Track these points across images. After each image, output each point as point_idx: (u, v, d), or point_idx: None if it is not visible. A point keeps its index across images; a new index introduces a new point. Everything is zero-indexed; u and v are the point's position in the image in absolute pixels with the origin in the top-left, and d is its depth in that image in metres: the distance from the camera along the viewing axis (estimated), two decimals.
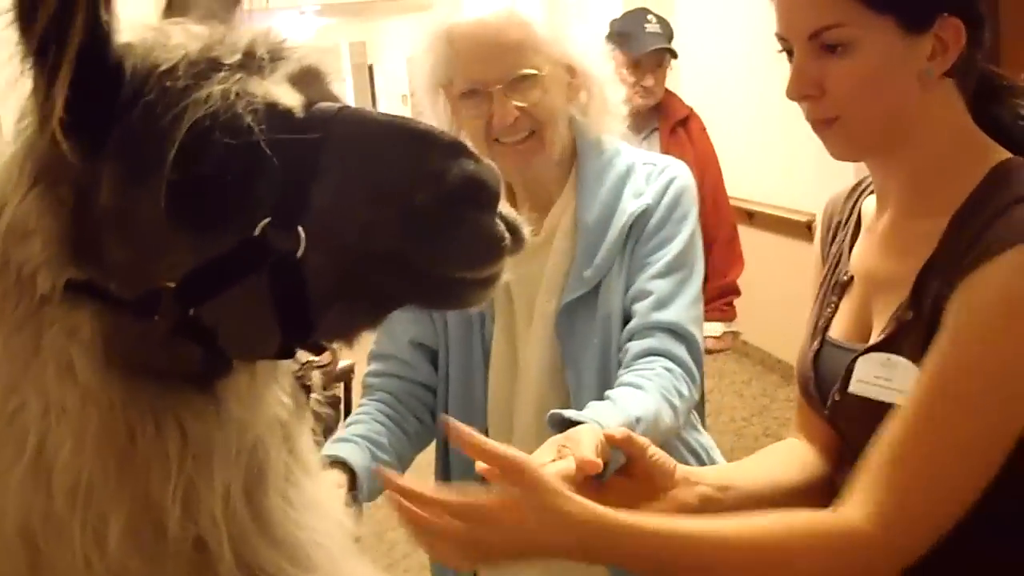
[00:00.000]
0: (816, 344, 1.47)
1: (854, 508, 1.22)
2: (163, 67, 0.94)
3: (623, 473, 1.40)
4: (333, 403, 5.15)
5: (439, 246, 0.93)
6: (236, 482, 1.00)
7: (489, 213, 0.95)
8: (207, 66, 0.94)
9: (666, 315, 1.72)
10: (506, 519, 1.16)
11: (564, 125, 1.80)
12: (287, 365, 1.09)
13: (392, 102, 18.10)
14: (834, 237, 1.55)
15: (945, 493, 1.21)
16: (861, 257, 1.46)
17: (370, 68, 21.29)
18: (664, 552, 1.22)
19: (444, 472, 1.91)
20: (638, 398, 1.59)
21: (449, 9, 1.78)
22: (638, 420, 1.53)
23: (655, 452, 1.39)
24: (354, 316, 1.01)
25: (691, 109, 4.09)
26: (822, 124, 1.33)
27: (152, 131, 0.92)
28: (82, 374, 0.95)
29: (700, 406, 2.03)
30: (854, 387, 1.35)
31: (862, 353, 1.35)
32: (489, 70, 1.72)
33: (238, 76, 0.94)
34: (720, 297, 3.71)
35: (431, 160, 0.93)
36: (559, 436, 1.37)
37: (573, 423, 1.44)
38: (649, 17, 3.90)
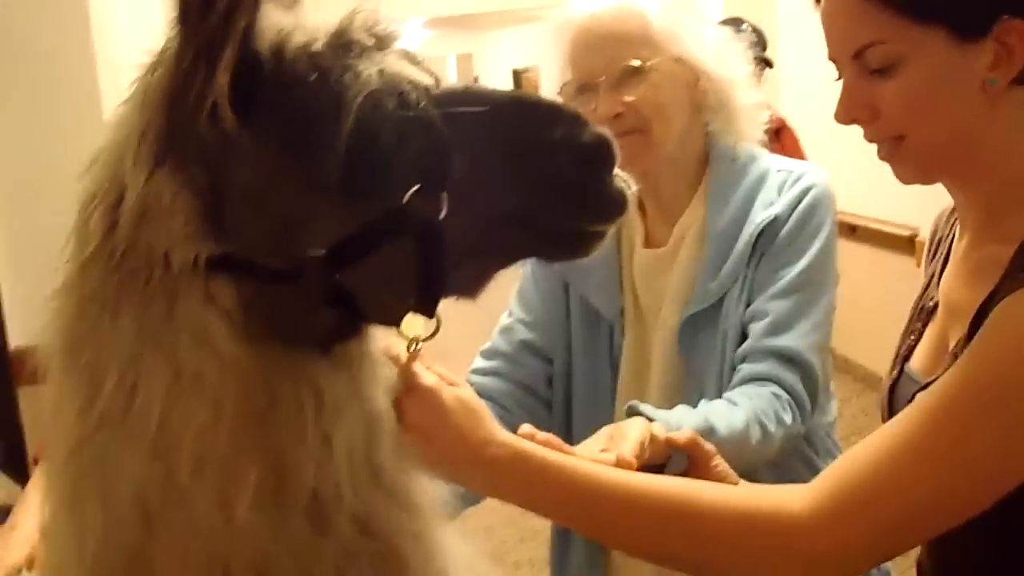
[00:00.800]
0: (895, 373, 1.41)
1: (801, 495, 1.17)
2: (311, 47, 1.00)
3: (683, 476, 1.34)
4: None
5: (575, 204, 1.06)
6: (359, 435, 1.06)
7: (611, 173, 1.08)
8: (350, 47, 1.01)
9: (781, 341, 1.63)
10: (418, 411, 1.14)
11: (680, 125, 1.75)
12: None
13: None
14: (934, 255, 1.47)
15: (898, 506, 1.13)
16: (946, 283, 1.38)
17: (475, 80, 21.52)
18: (576, 494, 1.18)
19: None
20: (725, 411, 1.54)
21: (569, 4, 1.76)
22: (713, 430, 1.48)
23: (719, 463, 1.34)
24: (483, 271, 1.10)
25: (783, 120, 4.04)
26: (884, 148, 1.26)
27: (313, 107, 0.98)
28: (220, 341, 0.98)
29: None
30: None
31: (921, 389, 1.27)
32: (595, 61, 1.70)
33: (381, 56, 1.02)
34: None
35: (560, 128, 1.04)
36: (610, 427, 1.36)
37: (647, 418, 1.41)
38: (743, 26, 3.85)
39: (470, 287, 1.11)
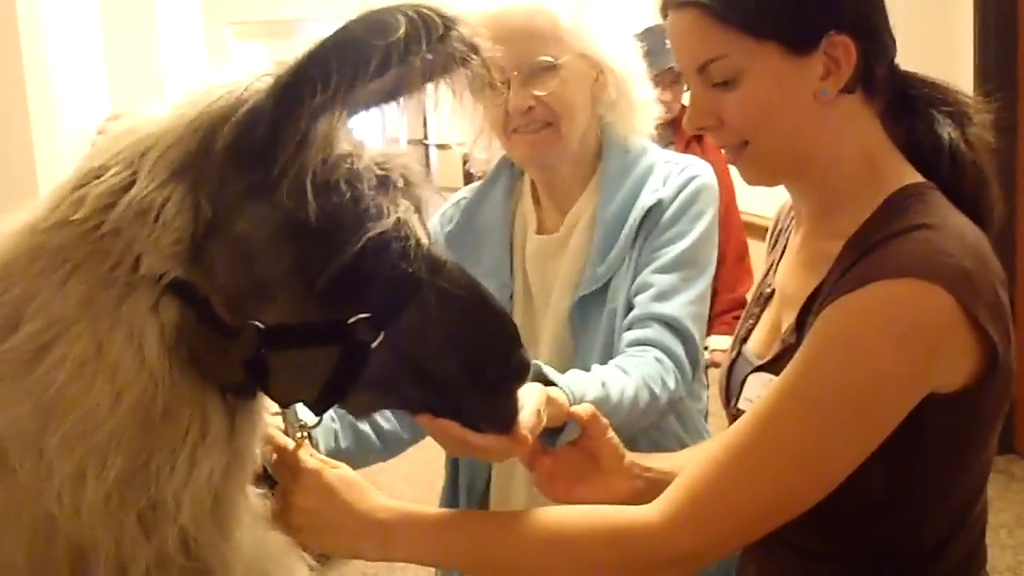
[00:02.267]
0: (734, 354, 1.50)
1: (655, 503, 1.25)
2: (354, 165, 1.10)
3: (575, 445, 1.43)
4: None
5: (481, 405, 1.21)
6: (219, 472, 1.13)
7: (518, 389, 1.26)
8: (386, 183, 1.13)
9: (665, 308, 1.70)
10: (305, 494, 1.24)
11: (584, 119, 1.81)
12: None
13: None
14: (774, 245, 1.56)
15: (736, 511, 1.22)
16: (781, 272, 1.47)
17: None
18: (465, 545, 1.28)
19: (452, 477, 1.96)
20: (618, 378, 1.60)
21: (477, 1, 1.79)
22: (608, 397, 1.54)
23: (612, 436, 1.43)
24: (376, 403, 1.25)
25: None
26: (731, 152, 1.34)
27: (333, 216, 1.08)
28: (149, 348, 1.07)
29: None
30: (741, 403, 1.39)
31: (753, 371, 1.39)
32: (507, 57, 1.71)
33: (404, 204, 1.14)
34: (729, 311, 3.75)
35: (503, 341, 1.21)
36: None
37: (548, 381, 1.46)
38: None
39: (360, 409, 1.26)
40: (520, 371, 1.23)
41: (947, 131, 1.33)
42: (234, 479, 1.17)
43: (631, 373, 1.62)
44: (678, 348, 1.69)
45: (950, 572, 1.33)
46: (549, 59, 1.74)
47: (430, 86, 1.15)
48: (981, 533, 1.37)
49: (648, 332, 1.69)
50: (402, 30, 0.99)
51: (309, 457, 1.27)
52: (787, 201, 1.54)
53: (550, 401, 1.38)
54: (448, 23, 1.03)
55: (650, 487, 1.39)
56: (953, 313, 1.16)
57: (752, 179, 1.37)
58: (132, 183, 1.07)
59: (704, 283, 1.77)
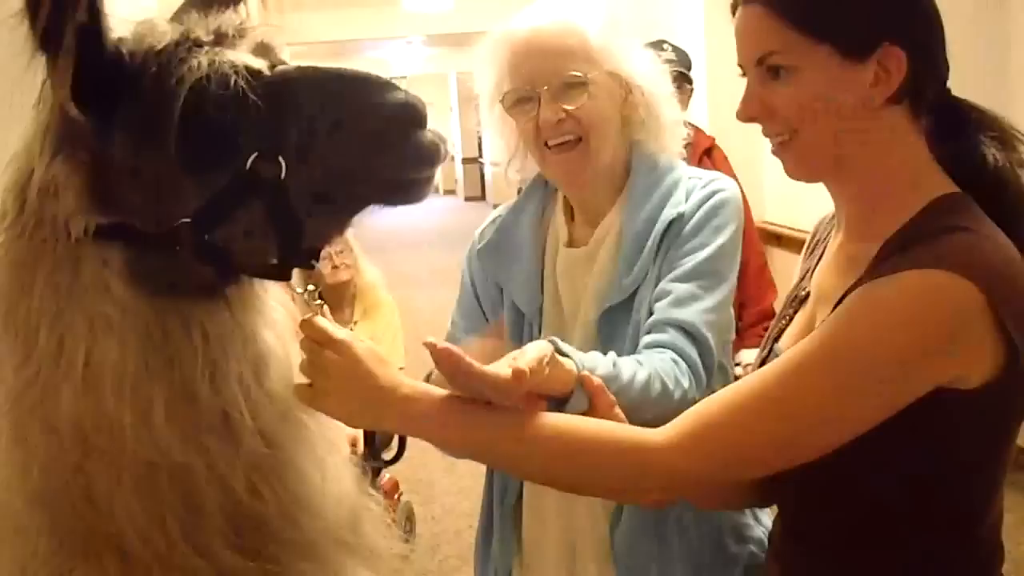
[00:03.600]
0: (765, 353, 1.57)
1: (664, 428, 1.34)
2: (157, 47, 1.19)
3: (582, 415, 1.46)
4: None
5: (392, 156, 1.22)
6: (247, 365, 1.27)
7: (422, 128, 1.24)
8: (191, 44, 1.20)
9: (681, 313, 1.73)
10: (333, 359, 1.29)
11: (613, 136, 1.85)
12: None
13: None
14: (811, 253, 1.62)
15: (736, 443, 1.30)
16: (818, 274, 1.53)
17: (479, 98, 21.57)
18: (477, 429, 1.34)
19: (488, 490, 2.00)
20: (631, 364, 1.64)
21: (510, 21, 1.85)
22: (619, 376, 1.58)
23: (619, 412, 1.47)
24: (333, 221, 1.30)
25: (713, 140, 4.11)
26: (778, 145, 1.40)
27: (158, 97, 1.17)
28: (118, 293, 1.19)
29: None
30: None
31: None
32: (537, 72, 1.79)
33: (216, 49, 1.20)
34: (759, 323, 3.75)
35: (372, 94, 1.21)
36: (513, 352, 1.43)
37: (564, 354, 1.50)
38: (664, 46, 3.93)
39: (328, 233, 1.33)
40: (400, 107, 1.22)
41: (992, 152, 1.38)
42: (270, 368, 1.29)
43: (645, 364, 1.66)
44: (693, 353, 1.72)
45: (969, 570, 1.37)
46: (578, 75, 1.79)
47: None
48: (997, 531, 1.40)
49: (664, 336, 1.72)
50: None
51: (339, 330, 1.32)
52: (827, 213, 1.60)
53: (556, 362, 1.43)
54: None
55: None
56: (981, 310, 1.21)
57: (794, 172, 1.42)
58: (31, 174, 1.20)
59: (723, 293, 1.79)
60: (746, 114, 1.40)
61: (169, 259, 1.20)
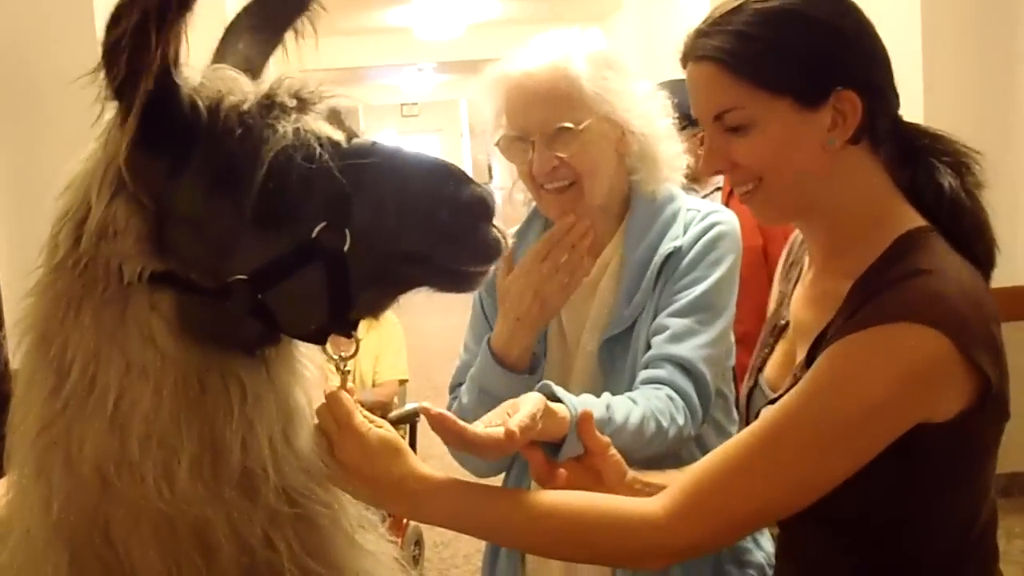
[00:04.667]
0: (751, 383, 1.61)
1: (658, 497, 1.38)
2: (241, 106, 1.21)
3: (579, 461, 1.51)
4: None
5: (456, 248, 1.26)
6: (278, 424, 1.27)
7: (489, 223, 1.27)
8: (274, 107, 1.22)
9: (678, 349, 1.75)
10: (348, 451, 1.32)
11: (608, 177, 1.88)
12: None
13: None
14: (787, 275, 1.66)
15: (724, 512, 1.34)
16: (795, 304, 1.57)
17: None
18: (482, 518, 1.39)
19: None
20: (625, 404, 1.67)
21: (506, 59, 1.88)
22: (611, 419, 1.61)
23: (614, 453, 1.51)
24: (383, 297, 1.32)
25: None
26: (744, 195, 1.45)
27: (238, 155, 1.19)
28: (161, 340, 1.20)
29: None
30: None
31: (768, 403, 1.47)
32: (530, 120, 1.82)
33: (297, 116, 1.22)
34: None
35: (448, 185, 1.24)
36: (509, 401, 1.46)
37: (556, 399, 1.52)
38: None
39: (375, 308, 1.35)
40: (474, 205, 1.25)
41: (947, 180, 1.43)
42: (300, 427, 1.31)
43: (639, 403, 1.68)
44: (690, 389, 1.74)
45: (964, 572, 1.42)
46: (570, 125, 1.81)
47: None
48: (988, 557, 1.45)
49: (661, 372, 1.75)
50: None
51: (358, 415, 1.34)
52: (798, 234, 1.64)
53: (549, 412, 1.45)
54: None
55: None
56: (948, 353, 1.27)
57: (764, 218, 1.49)
58: (88, 214, 1.20)
59: (721, 326, 1.81)
60: (711, 167, 1.44)
61: (218, 313, 1.22)
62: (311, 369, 1.38)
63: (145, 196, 1.20)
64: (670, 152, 1.94)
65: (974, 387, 1.30)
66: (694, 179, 3.85)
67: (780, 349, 1.57)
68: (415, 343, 4.71)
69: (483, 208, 1.25)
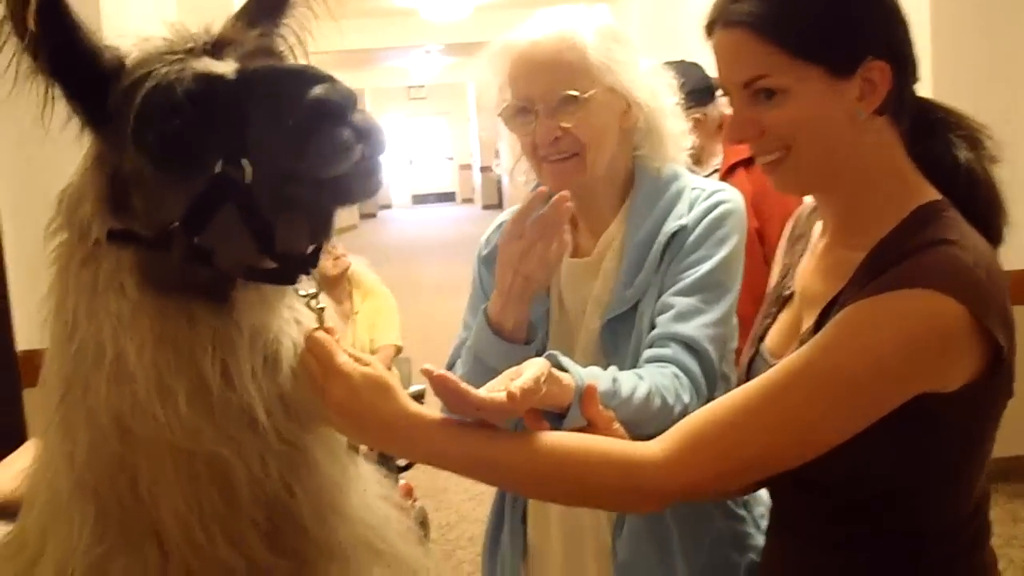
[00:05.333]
0: (752, 352, 1.61)
1: (656, 441, 1.38)
2: (140, 58, 1.25)
3: (582, 432, 1.48)
4: None
5: (305, 157, 1.18)
6: (257, 363, 1.30)
7: (336, 125, 1.18)
8: (167, 55, 1.25)
9: (683, 328, 1.75)
10: (335, 390, 1.31)
11: (611, 150, 1.87)
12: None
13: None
14: (792, 248, 1.65)
15: (726, 455, 1.35)
16: (802, 274, 1.57)
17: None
18: (479, 454, 1.36)
19: (500, 492, 2.02)
20: (631, 379, 1.66)
21: (511, 31, 1.87)
22: (617, 391, 1.61)
23: (618, 427, 1.51)
24: (300, 222, 1.28)
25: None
26: (769, 163, 1.44)
27: (126, 108, 1.23)
28: (131, 293, 1.27)
29: None
30: None
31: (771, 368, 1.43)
32: (535, 88, 1.82)
33: (182, 58, 1.24)
34: None
35: (295, 90, 1.18)
36: (514, 368, 1.45)
37: (563, 368, 1.52)
38: (688, 66, 3.86)
39: (301, 235, 1.29)
40: (313, 103, 1.17)
41: (963, 153, 1.44)
42: (281, 368, 1.33)
43: (645, 378, 1.68)
44: (695, 367, 1.74)
45: (954, 557, 1.43)
46: (575, 93, 1.80)
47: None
48: (981, 533, 1.47)
49: (666, 351, 1.75)
50: None
51: (341, 354, 1.32)
52: (805, 207, 1.65)
53: (553, 378, 1.45)
54: None
55: None
56: (964, 321, 1.27)
57: (786, 188, 1.48)
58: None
59: (726, 306, 1.81)
60: (738, 136, 1.43)
61: (168, 262, 1.26)
62: (299, 312, 1.39)
63: (106, 162, 1.29)
64: (675, 129, 1.94)
65: (985, 359, 1.31)
66: (697, 160, 3.86)
67: (783, 319, 1.57)
68: (421, 324, 4.72)
69: (322, 107, 1.17)
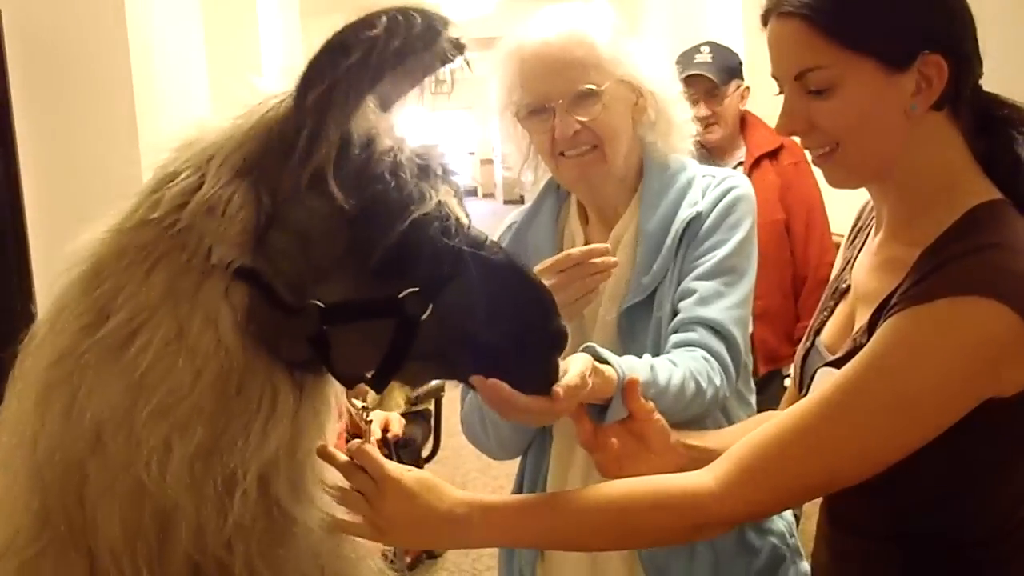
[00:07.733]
0: (808, 344, 1.59)
1: (706, 470, 1.39)
2: (396, 156, 1.23)
3: (623, 425, 1.53)
4: (425, 417, 5.28)
5: (523, 370, 1.33)
6: (287, 442, 1.25)
7: (557, 356, 1.38)
8: (424, 171, 1.25)
9: (708, 312, 1.77)
10: (390, 500, 1.34)
11: (627, 141, 1.90)
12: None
13: None
14: (853, 241, 1.64)
15: (789, 482, 1.35)
16: (858, 269, 1.55)
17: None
18: (536, 527, 1.40)
19: (519, 480, 2.04)
20: (666, 366, 1.69)
21: (516, 33, 1.90)
22: (655, 380, 1.63)
23: (659, 418, 1.53)
24: (429, 372, 1.40)
25: (783, 142, 3.87)
26: (820, 157, 1.42)
27: (383, 203, 1.20)
28: (223, 327, 1.19)
29: None
30: (810, 394, 1.44)
31: (823, 365, 1.47)
32: (552, 86, 1.84)
33: (443, 188, 1.26)
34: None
35: (541, 307, 1.33)
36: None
37: (603, 360, 1.55)
38: (702, 48, 3.83)
39: (415, 378, 1.43)
40: (556, 338, 1.34)
41: None
42: (301, 450, 1.30)
43: (679, 364, 1.70)
44: (722, 350, 1.77)
45: (1002, 560, 1.41)
46: (591, 87, 1.83)
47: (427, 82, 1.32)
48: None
49: (693, 335, 1.77)
50: (382, 26, 1.12)
51: (389, 464, 1.36)
52: (869, 200, 1.60)
53: (597, 371, 1.49)
54: (431, 21, 1.15)
55: (693, 464, 1.49)
56: (1017, 329, 1.25)
57: (837, 182, 1.45)
58: (201, 184, 1.20)
59: (745, 288, 1.84)
60: (788, 129, 1.41)
61: (281, 327, 1.22)
62: (331, 415, 1.39)
63: (265, 190, 1.20)
64: (681, 117, 1.96)
65: None
66: (719, 155, 3.84)
67: (840, 312, 1.56)
68: None
69: (560, 341, 1.35)
